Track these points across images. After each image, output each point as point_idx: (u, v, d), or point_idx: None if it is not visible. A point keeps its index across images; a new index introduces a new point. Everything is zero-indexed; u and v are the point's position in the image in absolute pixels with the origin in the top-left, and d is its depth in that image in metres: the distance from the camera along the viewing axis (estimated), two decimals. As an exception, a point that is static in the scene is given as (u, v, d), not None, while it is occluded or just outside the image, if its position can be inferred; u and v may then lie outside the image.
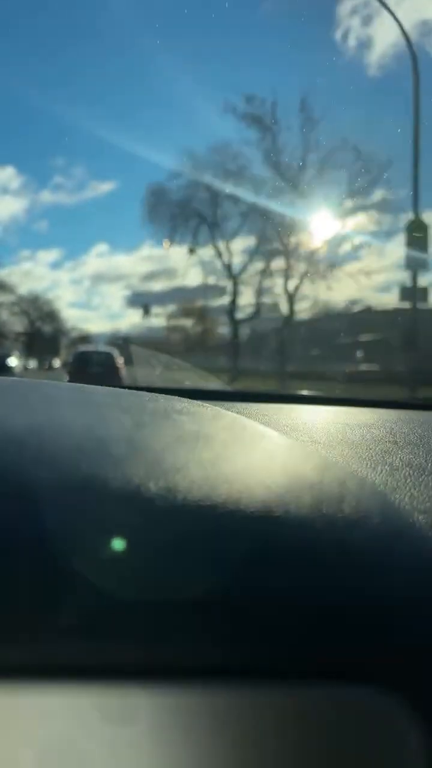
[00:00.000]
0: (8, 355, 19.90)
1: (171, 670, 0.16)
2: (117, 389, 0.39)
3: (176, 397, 0.38)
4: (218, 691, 0.16)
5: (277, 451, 0.26)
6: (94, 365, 9.29)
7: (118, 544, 0.18)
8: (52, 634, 0.16)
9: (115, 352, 10.08)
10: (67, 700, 0.16)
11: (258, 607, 0.17)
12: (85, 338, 29.94)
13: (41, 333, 33.36)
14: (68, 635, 0.16)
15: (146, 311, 23.08)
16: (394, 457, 0.50)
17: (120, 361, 9.59)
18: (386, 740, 0.17)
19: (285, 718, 0.16)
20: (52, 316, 34.52)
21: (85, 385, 0.39)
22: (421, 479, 0.43)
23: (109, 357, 9.79)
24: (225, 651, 0.17)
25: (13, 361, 19.02)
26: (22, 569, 0.17)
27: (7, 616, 0.16)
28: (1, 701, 0.15)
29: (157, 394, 0.39)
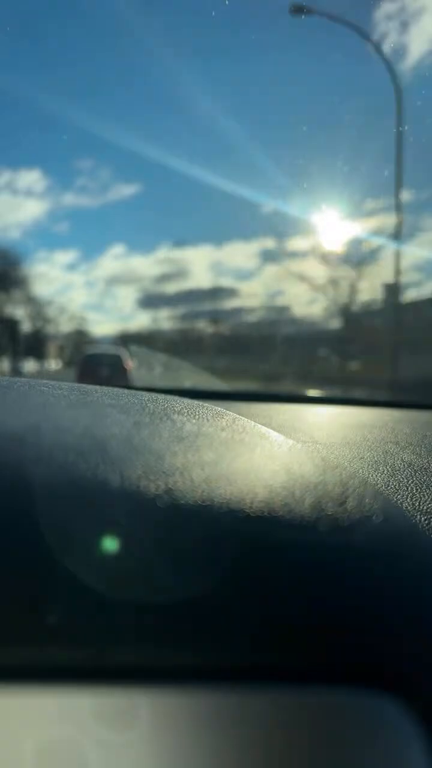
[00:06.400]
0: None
1: (171, 672, 0.16)
2: (116, 389, 0.39)
3: (176, 397, 0.38)
4: (218, 693, 0.16)
5: (278, 451, 0.26)
6: (102, 367, 9.28)
7: (116, 544, 0.17)
8: (49, 635, 0.16)
9: (124, 354, 10.04)
10: (65, 703, 0.15)
11: (259, 608, 0.17)
12: (82, 335, 26.81)
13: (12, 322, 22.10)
14: (66, 636, 0.16)
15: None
16: (395, 458, 0.50)
17: (129, 363, 9.56)
18: (387, 743, 0.16)
19: (285, 721, 0.16)
20: (17, 280, 23.57)
21: (85, 385, 0.39)
22: (422, 480, 0.43)
23: (118, 359, 9.77)
24: (225, 653, 0.17)
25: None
26: (19, 569, 0.17)
27: (3, 617, 0.16)
28: (0, 703, 0.15)
29: (156, 394, 0.38)
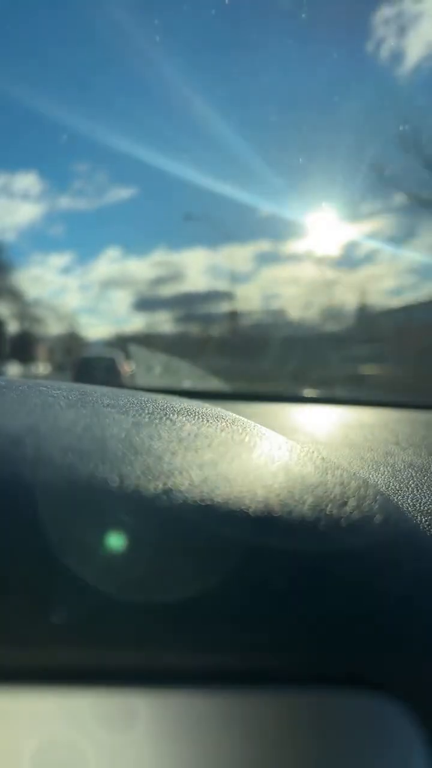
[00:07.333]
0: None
1: (171, 673, 0.16)
2: (116, 389, 0.39)
3: (176, 397, 0.38)
4: (218, 695, 0.16)
5: (278, 452, 0.26)
6: (97, 371, 9.24)
7: (116, 545, 0.17)
8: (50, 636, 0.16)
9: (120, 358, 9.99)
10: (65, 704, 0.15)
11: (258, 610, 0.17)
12: (75, 337, 25.29)
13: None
14: (66, 637, 0.16)
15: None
16: (396, 459, 0.50)
17: (125, 366, 9.50)
18: (387, 745, 0.16)
19: (285, 723, 0.16)
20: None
21: (84, 385, 0.39)
22: (424, 480, 0.42)
23: (113, 362, 9.72)
24: (224, 654, 0.17)
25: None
26: (19, 570, 0.17)
27: (4, 618, 0.16)
28: (0, 704, 0.15)
29: (156, 394, 0.38)
